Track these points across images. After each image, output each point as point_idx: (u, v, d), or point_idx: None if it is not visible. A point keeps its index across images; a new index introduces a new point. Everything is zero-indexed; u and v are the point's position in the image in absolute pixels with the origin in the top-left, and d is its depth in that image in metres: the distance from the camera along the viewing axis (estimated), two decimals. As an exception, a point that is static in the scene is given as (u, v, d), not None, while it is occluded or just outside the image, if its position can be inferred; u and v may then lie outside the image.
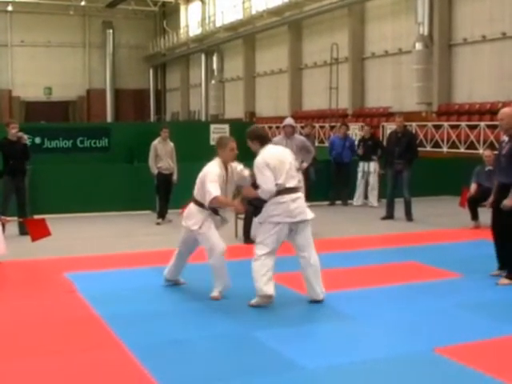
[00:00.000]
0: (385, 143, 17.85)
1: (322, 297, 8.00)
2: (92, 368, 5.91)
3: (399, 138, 14.85)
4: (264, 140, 8.14)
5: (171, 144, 14.67)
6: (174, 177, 14.60)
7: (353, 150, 18.07)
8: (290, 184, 7.88)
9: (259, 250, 7.87)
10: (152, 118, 60.55)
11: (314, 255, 8.03)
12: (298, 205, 7.90)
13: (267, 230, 7.87)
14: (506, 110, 9.06)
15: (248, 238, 11.83)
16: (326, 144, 29.44)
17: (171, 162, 14.59)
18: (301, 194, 8.06)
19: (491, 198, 9.43)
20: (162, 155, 14.48)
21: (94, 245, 11.98)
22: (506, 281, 8.85)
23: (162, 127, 14.96)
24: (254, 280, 7.79)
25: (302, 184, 9.14)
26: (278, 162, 7.87)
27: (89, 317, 7.43)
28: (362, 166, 17.65)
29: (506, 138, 8.98)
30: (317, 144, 30.76)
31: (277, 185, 7.77)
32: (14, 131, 12.56)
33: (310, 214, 8.03)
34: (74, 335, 6.81)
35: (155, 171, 14.52)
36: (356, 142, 18.89)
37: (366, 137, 17.88)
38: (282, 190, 7.80)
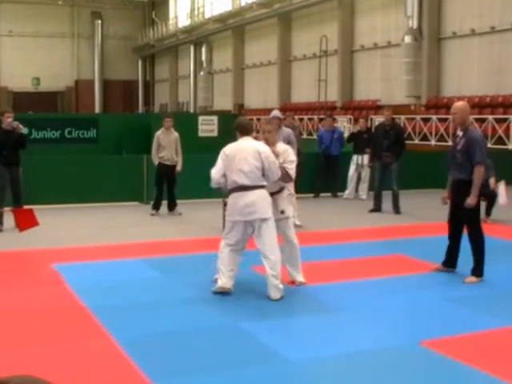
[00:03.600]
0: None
1: (278, 297, 7.84)
2: (78, 359, 5.90)
3: (387, 131, 14.88)
4: (242, 131, 8.07)
5: (175, 134, 14.29)
6: (178, 167, 14.18)
7: (341, 142, 18.00)
8: (243, 181, 7.78)
9: (222, 241, 8.06)
10: (140, 109, 60.46)
11: (273, 259, 7.86)
12: (248, 203, 7.77)
13: (227, 226, 8.04)
14: (458, 104, 8.95)
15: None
16: (315, 136, 29.53)
17: (175, 153, 14.21)
18: (257, 192, 7.82)
19: (445, 194, 9.13)
20: (165, 145, 14.11)
21: (81, 236, 11.94)
22: (473, 278, 8.73)
23: (164, 117, 14.70)
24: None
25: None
26: (235, 155, 7.83)
27: (76, 308, 7.42)
28: (355, 159, 17.48)
29: (460, 133, 8.89)
30: (305, 136, 30.85)
31: (226, 178, 7.87)
32: (8, 120, 12.38)
33: (265, 213, 7.83)
34: (61, 326, 6.81)
35: (156, 162, 14.24)
36: (346, 135, 18.87)
37: (362, 130, 17.80)
38: (235, 188, 7.84)
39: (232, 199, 7.93)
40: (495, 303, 7.90)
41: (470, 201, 8.57)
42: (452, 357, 5.96)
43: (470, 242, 8.89)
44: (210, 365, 5.80)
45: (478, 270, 8.80)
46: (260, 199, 7.83)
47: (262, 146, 8.00)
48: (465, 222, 8.89)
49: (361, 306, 7.62)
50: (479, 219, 8.98)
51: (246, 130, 8.07)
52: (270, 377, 5.61)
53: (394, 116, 16.43)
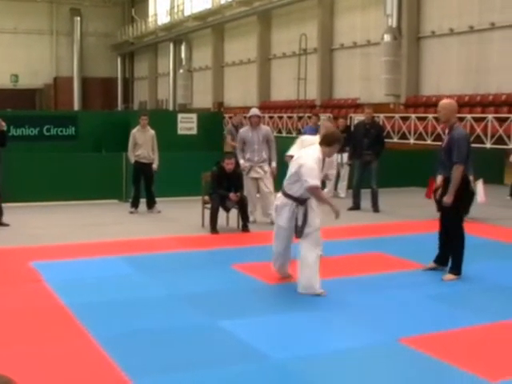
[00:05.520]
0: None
1: None
2: (57, 357, 5.87)
3: (368, 130, 14.91)
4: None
5: (151, 132, 14.17)
6: (154, 165, 14.07)
7: None
8: None
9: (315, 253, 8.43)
10: (119, 106, 60.25)
11: None
12: None
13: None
14: (443, 101, 8.93)
15: (214, 229, 11.81)
16: (294, 135, 29.56)
17: (151, 150, 14.09)
18: None
19: (439, 192, 9.14)
20: (141, 143, 14.00)
21: (60, 233, 11.87)
22: (451, 276, 8.78)
23: (140, 115, 14.63)
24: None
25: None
26: None
27: (54, 306, 7.38)
28: (335, 158, 17.51)
29: (447, 131, 8.93)
30: (284, 134, 30.90)
31: None
32: None
33: None
34: (40, 325, 6.76)
35: (132, 160, 14.15)
36: None
37: (341, 129, 17.83)
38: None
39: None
40: (474, 301, 7.94)
41: (446, 199, 8.62)
42: (431, 354, 5.98)
43: (450, 239, 8.94)
44: (189, 363, 5.78)
45: (456, 268, 8.85)
46: None
47: None
48: (445, 219, 8.94)
49: (339, 303, 7.62)
50: (460, 218, 9.01)
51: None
52: (250, 374, 5.60)
53: (374, 114, 16.48)
